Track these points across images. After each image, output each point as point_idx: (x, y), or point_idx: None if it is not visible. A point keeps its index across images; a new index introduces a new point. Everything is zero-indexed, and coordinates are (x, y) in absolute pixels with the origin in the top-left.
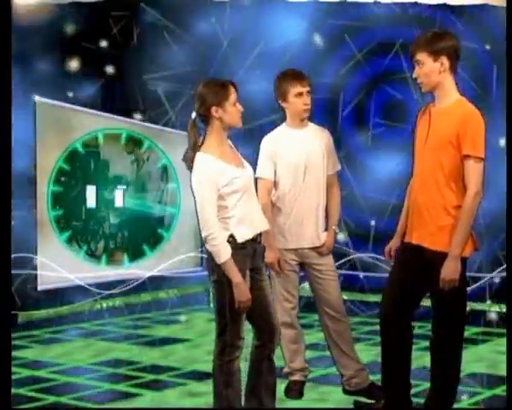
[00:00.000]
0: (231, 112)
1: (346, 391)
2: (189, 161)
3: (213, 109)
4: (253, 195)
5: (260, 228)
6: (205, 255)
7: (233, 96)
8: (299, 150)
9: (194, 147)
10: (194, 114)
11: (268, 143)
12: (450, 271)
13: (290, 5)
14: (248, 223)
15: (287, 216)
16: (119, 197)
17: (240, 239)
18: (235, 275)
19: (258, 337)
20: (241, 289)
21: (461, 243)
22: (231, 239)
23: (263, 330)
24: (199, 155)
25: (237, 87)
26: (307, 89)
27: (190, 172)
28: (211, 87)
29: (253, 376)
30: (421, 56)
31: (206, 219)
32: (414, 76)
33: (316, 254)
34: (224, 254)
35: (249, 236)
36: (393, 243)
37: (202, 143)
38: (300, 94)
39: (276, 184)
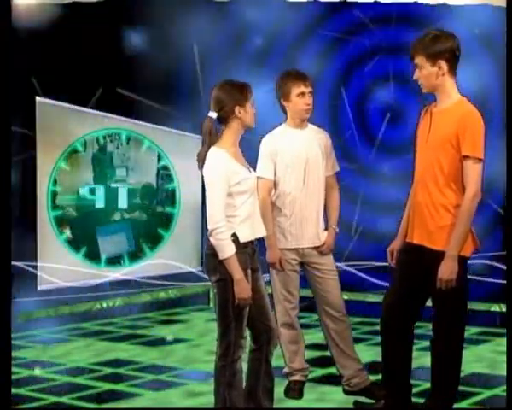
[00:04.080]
0: (250, 112)
1: (346, 391)
2: (201, 161)
3: (237, 109)
4: (256, 198)
5: (259, 233)
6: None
7: (252, 97)
8: (299, 151)
9: (210, 146)
10: (214, 115)
11: (268, 142)
12: (447, 271)
13: None
14: (251, 225)
15: (287, 216)
16: (118, 197)
17: (242, 239)
18: (238, 272)
19: (256, 340)
20: (242, 286)
21: (458, 243)
22: (234, 238)
23: (260, 333)
24: (213, 150)
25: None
26: (310, 89)
27: (201, 171)
28: (231, 88)
29: (251, 378)
30: (420, 60)
31: (215, 213)
32: (414, 78)
33: (316, 254)
34: (228, 249)
35: (251, 237)
36: (396, 245)
37: (217, 140)
38: (303, 94)
39: (275, 183)
